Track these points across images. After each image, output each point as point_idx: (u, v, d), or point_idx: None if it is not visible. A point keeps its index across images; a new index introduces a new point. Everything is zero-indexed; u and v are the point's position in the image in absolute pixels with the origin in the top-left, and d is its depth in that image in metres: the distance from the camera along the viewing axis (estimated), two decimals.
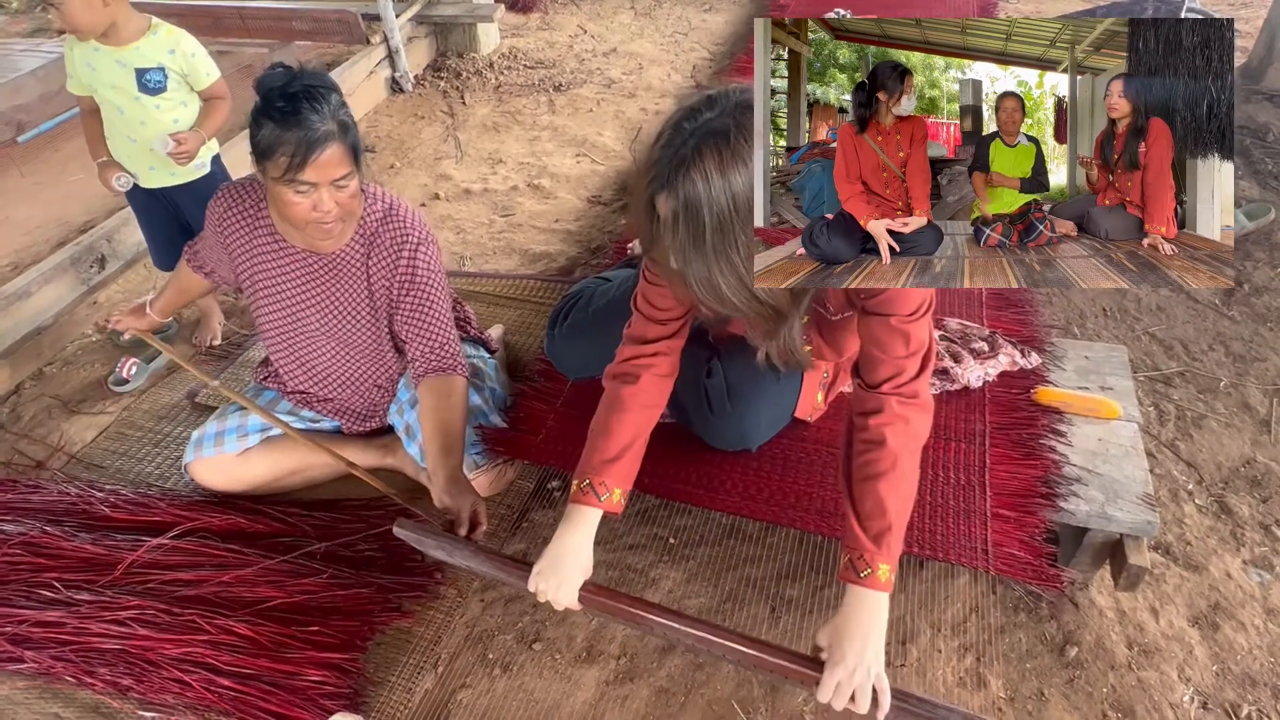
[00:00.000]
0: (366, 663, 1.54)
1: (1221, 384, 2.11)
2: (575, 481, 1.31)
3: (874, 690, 1.10)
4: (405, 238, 1.63)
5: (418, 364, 1.67)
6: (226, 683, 1.46)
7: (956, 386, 1.72)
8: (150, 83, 2.00)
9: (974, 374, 1.73)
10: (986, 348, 1.79)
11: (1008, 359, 1.76)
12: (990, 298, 2.03)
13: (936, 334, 1.59)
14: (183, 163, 2.05)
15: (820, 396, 1.66)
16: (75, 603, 1.59)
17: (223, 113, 2.12)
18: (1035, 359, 1.78)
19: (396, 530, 1.45)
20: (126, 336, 2.17)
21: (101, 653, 1.52)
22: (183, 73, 2.04)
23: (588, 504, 1.29)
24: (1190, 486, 1.86)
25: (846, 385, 1.71)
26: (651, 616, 1.23)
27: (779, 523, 1.56)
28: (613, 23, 4.88)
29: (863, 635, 1.11)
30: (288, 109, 1.36)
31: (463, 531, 1.45)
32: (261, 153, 1.40)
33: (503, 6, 4.41)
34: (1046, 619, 1.57)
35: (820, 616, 1.57)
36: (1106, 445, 1.60)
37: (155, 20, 2.02)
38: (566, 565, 1.26)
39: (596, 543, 1.31)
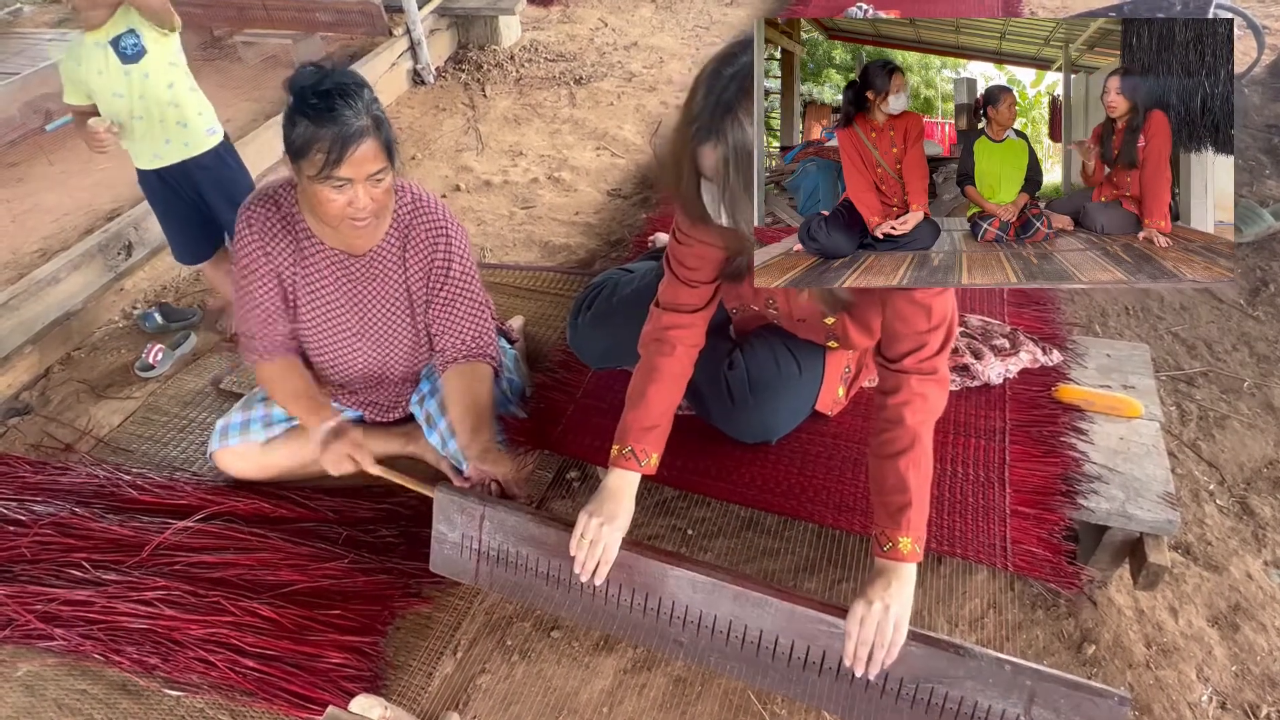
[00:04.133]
0: (387, 647, 1.56)
1: (1245, 384, 2.10)
2: (615, 447, 1.36)
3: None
4: (440, 230, 1.64)
5: (447, 352, 1.68)
6: (250, 663, 1.49)
7: (977, 383, 1.72)
8: (127, 49, 1.99)
9: (995, 370, 1.72)
10: (1008, 344, 1.78)
11: (1029, 356, 1.75)
12: (1011, 294, 2.02)
13: (958, 329, 1.59)
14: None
15: (841, 390, 1.66)
16: (103, 583, 1.62)
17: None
18: (1057, 356, 1.77)
19: (437, 494, 1.48)
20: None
21: (129, 632, 1.55)
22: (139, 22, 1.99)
23: (629, 468, 1.35)
24: (1212, 487, 1.85)
25: (868, 380, 1.71)
26: (683, 571, 1.29)
27: (797, 516, 1.56)
28: (633, 16, 4.88)
29: (885, 584, 1.17)
30: (322, 106, 1.37)
31: (514, 492, 1.50)
32: (297, 151, 1.41)
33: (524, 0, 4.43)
34: (1064, 616, 1.57)
35: None
36: (1128, 444, 1.59)
37: None
38: (612, 506, 1.32)
39: None
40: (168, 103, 2.07)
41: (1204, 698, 1.45)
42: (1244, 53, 3.65)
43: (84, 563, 1.65)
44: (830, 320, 1.47)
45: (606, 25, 4.75)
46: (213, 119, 2.19)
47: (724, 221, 1.10)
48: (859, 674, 1.18)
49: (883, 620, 1.16)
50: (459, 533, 1.48)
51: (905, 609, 1.17)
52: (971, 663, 1.15)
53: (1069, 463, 1.55)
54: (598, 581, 1.32)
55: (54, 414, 2.23)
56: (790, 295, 1.48)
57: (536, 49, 4.42)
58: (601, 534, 1.30)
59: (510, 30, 4.46)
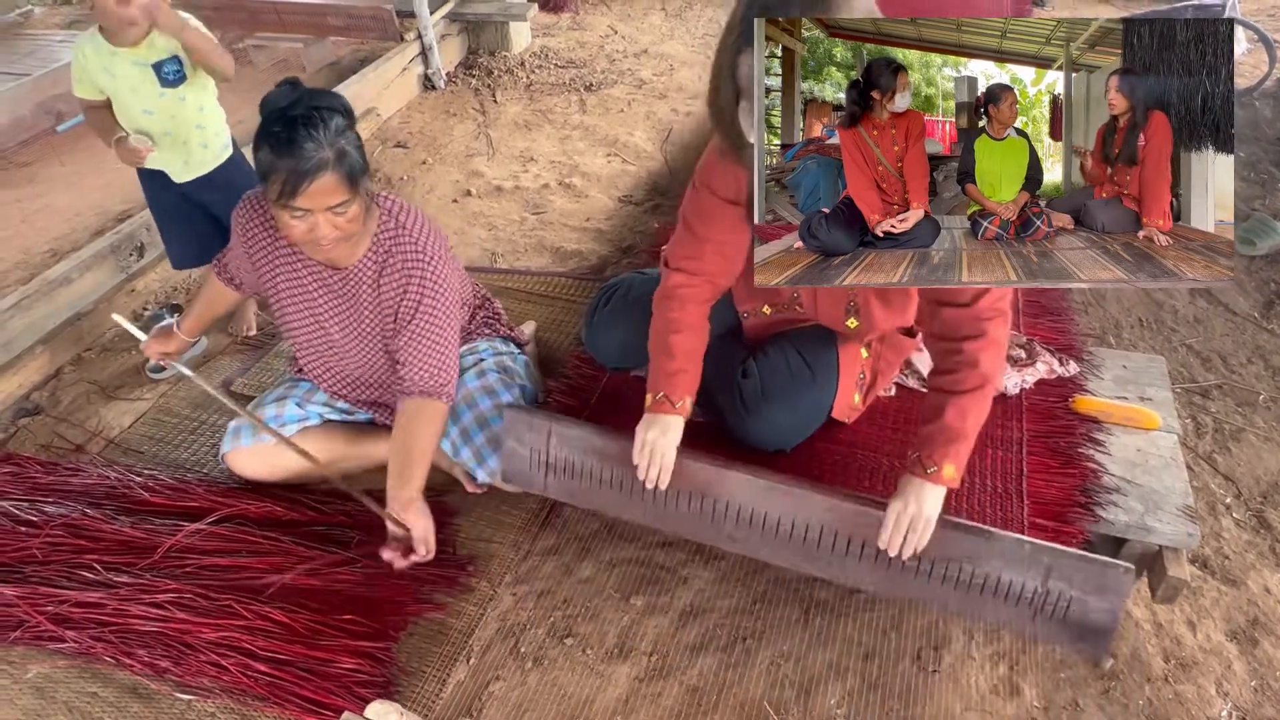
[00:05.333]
0: (399, 652, 1.55)
1: (1260, 398, 2.09)
2: (649, 395, 1.44)
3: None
4: (415, 263, 1.58)
5: (406, 383, 1.63)
6: (262, 668, 1.47)
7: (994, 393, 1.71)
8: (169, 74, 1.98)
9: (1011, 381, 1.72)
10: (1024, 355, 1.78)
11: (1045, 367, 1.75)
12: (1027, 305, 2.02)
13: None
14: (216, 60, 1.96)
15: (857, 397, 1.66)
16: (115, 584, 1.61)
17: (210, 38, 2.00)
18: (1073, 367, 1.77)
19: (507, 412, 1.59)
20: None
21: (140, 634, 1.54)
22: (180, 47, 1.98)
23: (664, 412, 1.42)
24: (1228, 500, 1.84)
25: (884, 389, 1.70)
26: (736, 471, 1.43)
27: None
28: (644, 24, 4.89)
29: (919, 492, 1.27)
30: (283, 135, 1.34)
31: (421, 552, 1.55)
32: (260, 175, 1.40)
33: (535, 6, 4.44)
34: None
35: (853, 619, 1.56)
36: (1146, 456, 1.59)
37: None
38: (665, 422, 1.41)
39: (627, 540, 1.37)
40: (195, 124, 2.07)
41: (1224, 713, 1.44)
42: (1254, 66, 3.66)
43: (95, 564, 1.64)
44: (853, 303, 1.48)
45: (617, 32, 4.76)
46: (228, 135, 2.19)
47: (753, 139, 1.11)
48: (893, 555, 1.30)
49: (916, 517, 1.26)
50: (527, 448, 1.58)
51: (935, 513, 1.27)
52: (995, 543, 1.28)
53: (1087, 474, 1.55)
54: (662, 487, 1.42)
55: (64, 414, 2.23)
56: None
57: (547, 55, 4.43)
58: (659, 444, 1.40)
59: (521, 36, 4.47)
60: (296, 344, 1.76)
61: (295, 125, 1.34)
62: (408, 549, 1.57)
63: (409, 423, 1.60)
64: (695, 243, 1.44)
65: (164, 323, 1.91)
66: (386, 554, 1.55)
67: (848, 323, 1.54)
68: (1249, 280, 2.49)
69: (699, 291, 1.47)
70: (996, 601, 1.30)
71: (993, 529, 1.30)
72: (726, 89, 1.13)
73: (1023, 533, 1.45)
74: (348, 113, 1.44)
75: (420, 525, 1.55)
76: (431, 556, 1.58)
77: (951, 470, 1.26)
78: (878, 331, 1.58)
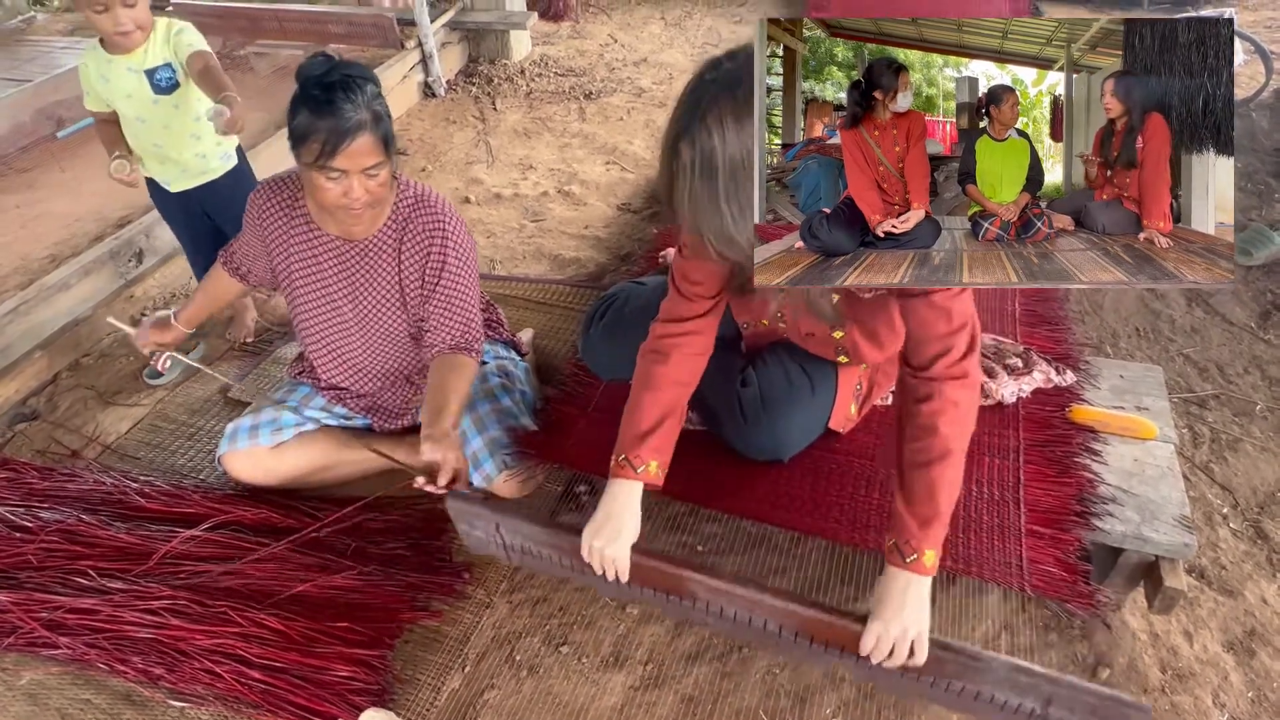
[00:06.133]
0: (394, 660, 1.54)
1: (1257, 408, 2.09)
2: (614, 457, 1.35)
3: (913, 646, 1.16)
4: (437, 226, 1.65)
5: (436, 345, 1.69)
6: (256, 675, 1.47)
7: (990, 402, 1.71)
8: (161, 82, 1.98)
9: (1008, 390, 1.72)
10: (1021, 364, 1.78)
11: (1042, 376, 1.75)
12: (1024, 315, 2.02)
13: (981, 332, 1.59)
14: (234, 130, 1.87)
15: (854, 408, 1.66)
16: (109, 591, 1.61)
17: (218, 68, 1.96)
18: (1070, 376, 1.77)
19: (449, 504, 1.47)
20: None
21: (134, 641, 1.53)
22: (175, 56, 1.98)
23: (625, 477, 1.33)
24: (1225, 510, 1.84)
25: (880, 399, 1.70)
26: (700, 578, 1.29)
27: (809, 533, 1.56)
28: (643, 33, 4.91)
29: (900, 599, 1.16)
30: (322, 98, 1.40)
31: (443, 481, 1.47)
32: (296, 138, 1.44)
33: (535, 14, 4.45)
34: (1078, 639, 1.55)
35: None
36: (1142, 465, 1.58)
37: (156, 19, 1.99)
38: (615, 523, 1.30)
39: None
40: (189, 134, 2.06)
41: None
42: (1250, 78, 3.67)
43: (90, 570, 1.64)
44: (839, 334, 1.46)
45: (616, 41, 4.78)
46: (230, 146, 2.18)
47: (685, 224, 1.08)
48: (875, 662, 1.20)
49: (900, 642, 1.15)
50: (480, 532, 1.49)
51: (926, 627, 1.16)
52: (989, 669, 1.16)
53: (1084, 483, 1.54)
54: (623, 580, 1.33)
55: (61, 420, 2.22)
56: (798, 308, 1.48)
57: (547, 63, 4.44)
58: (605, 556, 1.29)
59: (521, 45, 4.49)
60: (305, 327, 1.77)
61: (334, 89, 1.41)
62: (436, 479, 1.52)
63: (442, 372, 1.64)
64: (686, 301, 1.38)
65: (160, 313, 1.91)
66: (420, 482, 1.50)
67: (839, 359, 1.55)
68: (1246, 290, 2.49)
69: (688, 341, 1.39)
70: (995, 710, 1.21)
71: (982, 652, 1.17)
72: (665, 178, 1.09)
73: (1020, 541, 1.45)
74: (377, 82, 1.50)
75: (453, 456, 1.51)
76: (464, 486, 1.53)
77: (932, 556, 1.17)
78: (870, 365, 1.60)
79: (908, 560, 1.17)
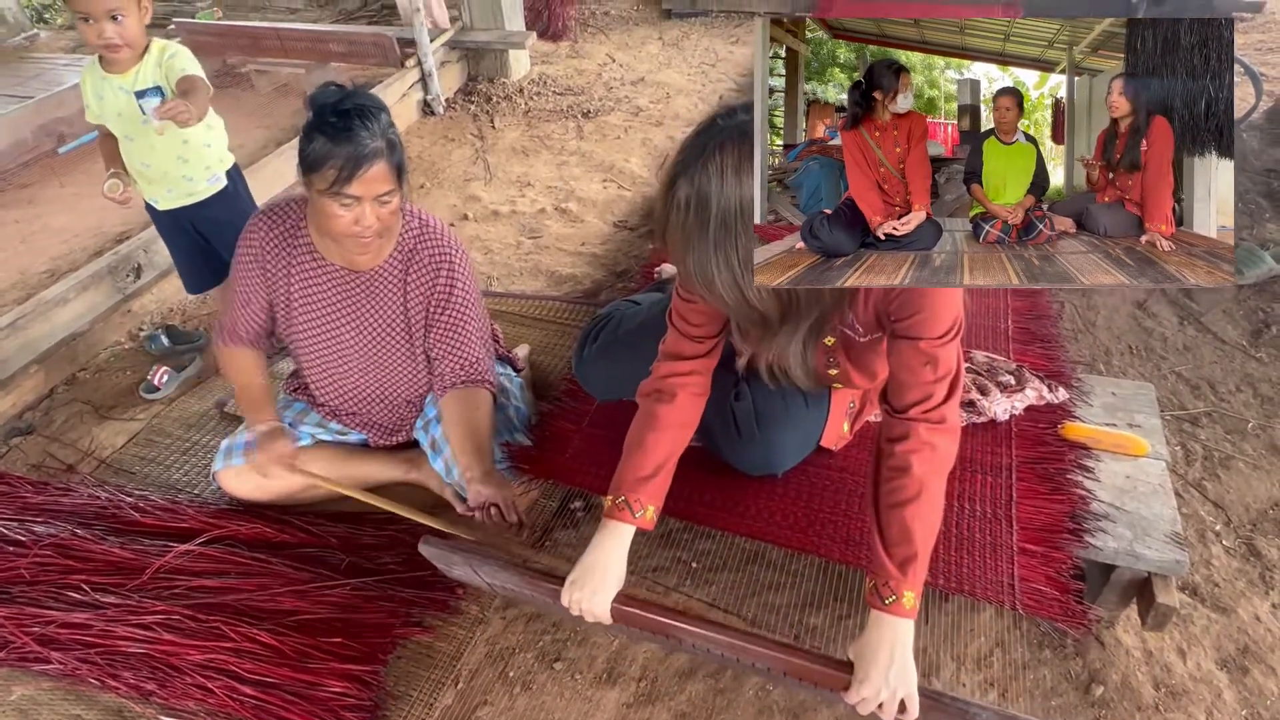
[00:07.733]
0: (387, 676, 1.54)
1: (1249, 425, 2.10)
2: (610, 497, 1.32)
3: (903, 702, 1.12)
4: (443, 256, 1.66)
5: (445, 378, 1.70)
6: (249, 691, 1.47)
7: (983, 419, 1.72)
8: (148, 105, 1.97)
9: (1000, 407, 1.72)
10: (1013, 381, 1.79)
11: (1035, 393, 1.76)
12: (1017, 332, 2.03)
13: (964, 380, 1.59)
14: (174, 118, 1.84)
15: (846, 426, 1.66)
16: (102, 605, 1.61)
17: (203, 92, 1.95)
18: (1062, 394, 1.78)
19: (423, 549, 1.46)
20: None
21: (126, 656, 1.53)
22: (166, 79, 1.97)
23: (622, 520, 1.30)
24: (1218, 528, 1.84)
25: (873, 415, 1.71)
26: (685, 626, 1.24)
27: (802, 550, 1.56)
28: (641, 52, 4.95)
29: (887, 655, 1.12)
30: (340, 125, 1.41)
31: (512, 517, 1.52)
32: (310, 165, 1.45)
33: (534, 34, 4.50)
34: (1072, 656, 1.55)
35: (844, 645, 1.55)
36: (1134, 482, 1.59)
37: (153, 40, 1.99)
38: (599, 575, 1.27)
39: None
40: (176, 156, 2.06)
41: None
42: (1241, 99, 3.70)
43: (83, 585, 1.64)
44: (834, 372, 1.47)
45: (614, 60, 4.82)
46: (223, 167, 2.17)
47: (672, 258, 1.09)
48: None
49: (889, 703, 1.11)
50: (459, 573, 1.49)
51: (914, 687, 1.12)
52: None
53: (1076, 500, 1.55)
54: (604, 623, 1.30)
55: (57, 434, 2.23)
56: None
57: (545, 82, 4.48)
58: (586, 607, 1.26)
59: (520, 64, 4.53)
60: (303, 352, 1.77)
61: (350, 116, 1.43)
62: (502, 517, 1.56)
63: (464, 410, 1.65)
64: (687, 340, 1.37)
65: (260, 428, 1.70)
66: (479, 515, 1.54)
67: (833, 385, 1.56)
68: (1237, 308, 2.51)
69: (692, 381, 1.38)
70: None
71: (972, 703, 1.12)
72: (660, 215, 1.10)
73: (1012, 559, 1.45)
74: (388, 111, 1.52)
75: (505, 493, 1.55)
76: (519, 521, 1.56)
77: (911, 599, 1.14)
78: (859, 393, 1.62)
79: (887, 602, 1.14)
